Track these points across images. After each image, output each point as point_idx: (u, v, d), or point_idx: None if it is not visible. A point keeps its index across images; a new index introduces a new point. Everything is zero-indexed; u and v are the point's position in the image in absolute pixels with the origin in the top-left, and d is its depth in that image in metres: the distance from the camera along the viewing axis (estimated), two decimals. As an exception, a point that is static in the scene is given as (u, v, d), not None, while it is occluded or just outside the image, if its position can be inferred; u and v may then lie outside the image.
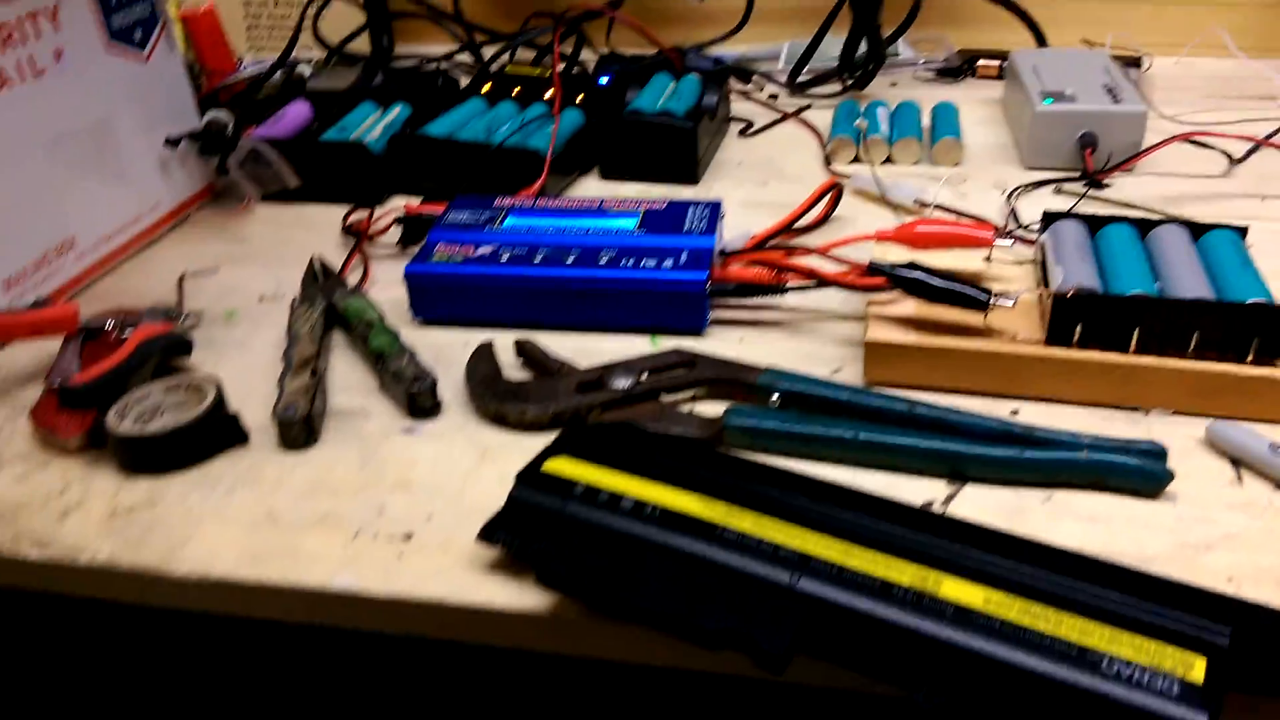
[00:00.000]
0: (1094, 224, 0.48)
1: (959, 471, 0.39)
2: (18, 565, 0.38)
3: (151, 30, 0.60)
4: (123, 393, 0.43)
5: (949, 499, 0.38)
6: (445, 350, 0.49)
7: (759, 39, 0.89)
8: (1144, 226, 0.47)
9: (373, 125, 0.69)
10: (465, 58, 0.89)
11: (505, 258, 0.51)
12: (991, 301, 0.43)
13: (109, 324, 0.50)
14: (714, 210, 0.54)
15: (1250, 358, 0.40)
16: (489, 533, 0.36)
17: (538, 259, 0.50)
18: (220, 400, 0.43)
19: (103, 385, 0.42)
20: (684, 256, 0.50)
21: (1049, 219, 0.49)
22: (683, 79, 0.73)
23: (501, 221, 0.55)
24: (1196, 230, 0.47)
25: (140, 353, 0.45)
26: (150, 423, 0.43)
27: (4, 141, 0.50)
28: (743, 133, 0.75)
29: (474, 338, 0.50)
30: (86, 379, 0.42)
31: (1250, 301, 0.40)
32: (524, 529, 0.35)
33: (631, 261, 0.50)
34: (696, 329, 0.50)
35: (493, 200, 0.57)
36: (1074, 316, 0.42)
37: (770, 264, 0.50)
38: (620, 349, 0.49)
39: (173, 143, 0.61)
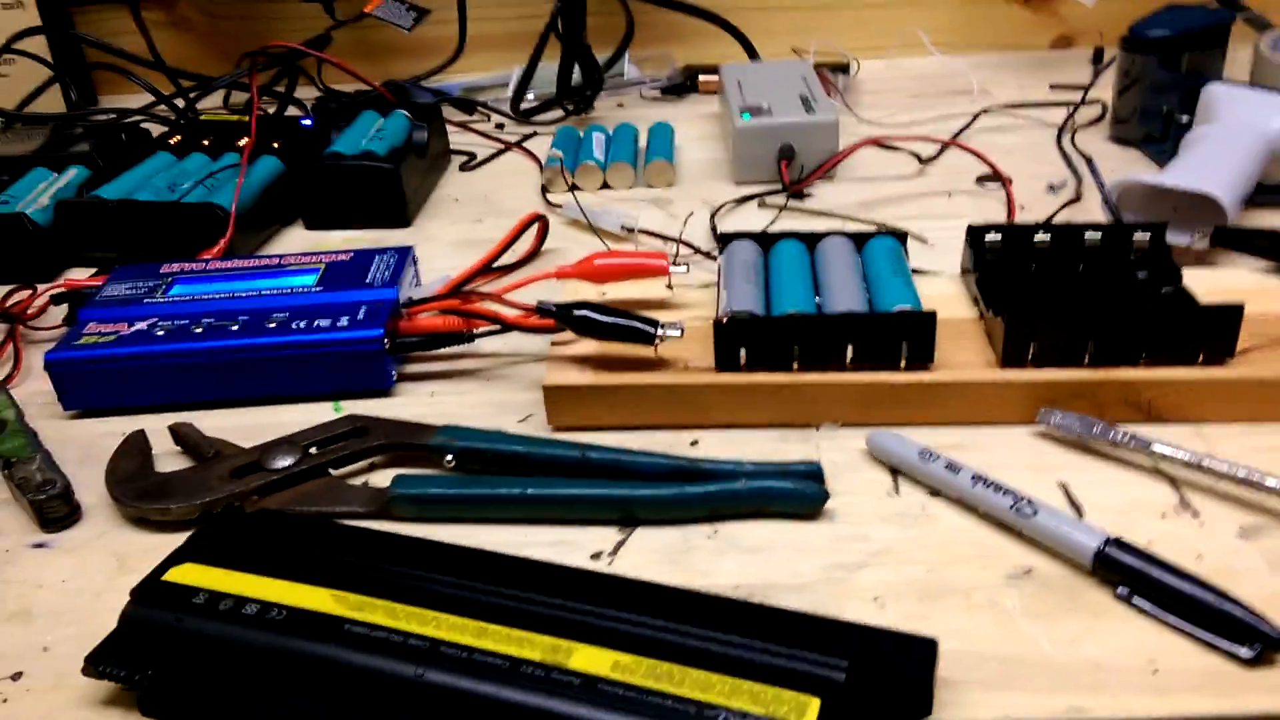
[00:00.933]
0: (766, 241, 0.48)
1: (631, 516, 0.38)
2: None
3: None
4: None
5: (618, 547, 0.37)
6: (98, 443, 0.44)
7: (486, 67, 0.87)
8: (812, 238, 0.48)
9: (42, 193, 0.62)
10: (168, 108, 0.83)
11: (161, 332, 0.46)
12: (658, 333, 0.42)
13: None
14: (401, 256, 0.52)
15: (903, 364, 0.41)
16: (96, 661, 0.32)
17: (198, 330, 0.46)
18: None
19: None
20: (362, 312, 0.47)
21: (724, 240, 0.49)
22: (390, 116, 0.70)
23: (166, 291, 0.50)
24: (860, 240, 0.48)
25: None
26: None
27: None
28: (464, 167, 0.73)
29: (134, 426, 0.46)
30: None
31: (895, 309, 0.41)
32: (137, 653, 0.32)
33: (304, 323, 0.47)
34: (381, 388, 0.47)
35: (159, 268, 0.53)
36: (736, 340, 0.41)
37: (457, 311, 0.48)
38: (302, 419, 0.45)
39: None
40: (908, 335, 0.41)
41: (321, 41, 0.79)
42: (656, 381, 0.42)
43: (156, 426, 0.45)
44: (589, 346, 0.44)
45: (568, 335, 0.45)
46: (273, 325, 0.46)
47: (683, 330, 0.42)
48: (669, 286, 0.48)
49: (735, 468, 0.38)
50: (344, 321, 0.47)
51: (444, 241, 0.62)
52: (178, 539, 0.39)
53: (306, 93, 0.84)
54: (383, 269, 0.51)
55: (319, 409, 0.46)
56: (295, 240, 0.63)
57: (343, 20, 0.79)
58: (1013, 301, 0.41)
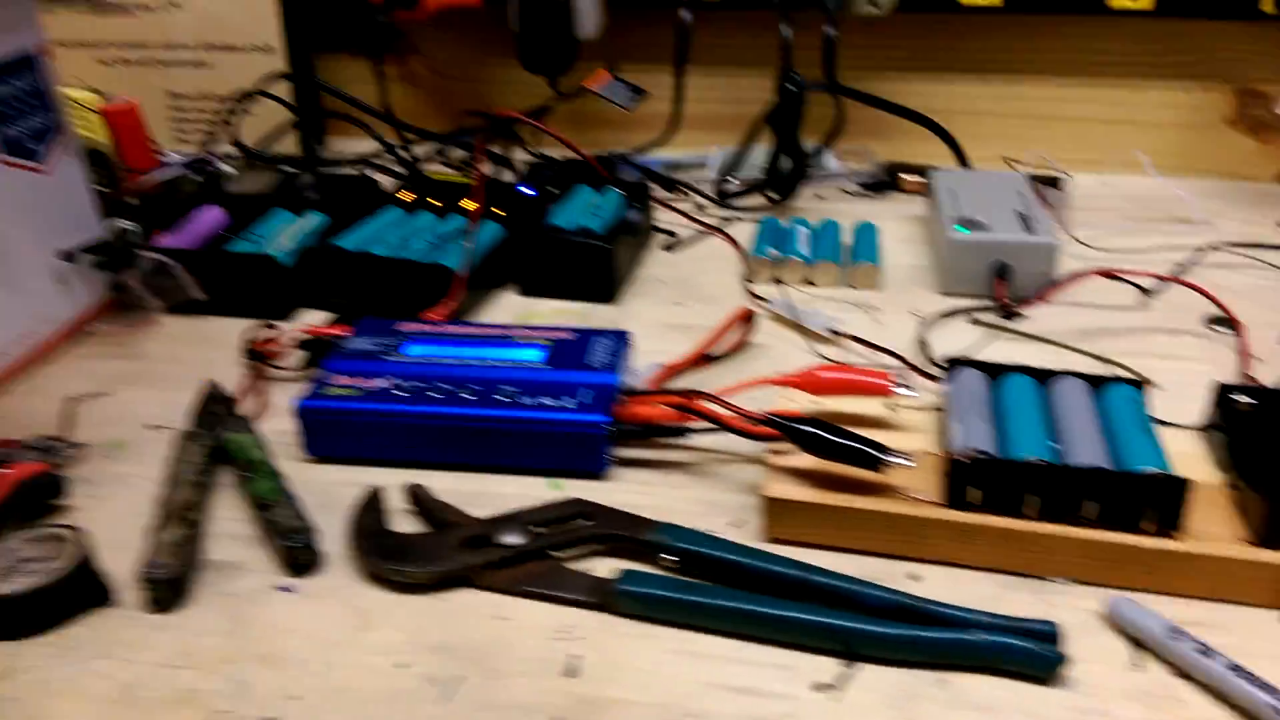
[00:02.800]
0: (994, 371, 0.48)
1: (852, 649, 0.38)
2: None
3: (50, 141, 0.58)
4: (-16, 544, 0.41)
5: (842, 680, 0.37)
6: (336, 491, 0.47)
7: (691, 144, 0.89)
8: (1044, 374, 0.47)
9: (281, 233, 0.67)
10: (395, 161, 0.88)
11: (401, 393, 0.49)
12: (888, 460, 0.42)
13: (-27, 460, 0.47)
14: (619, 341, 0.53)
15: (1147, 528, 0.40)
16: None
17: (435, 395, 0.49)
18: (83, 556, 0.41)
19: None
20: (587, 395, 0.49)
21: (953, 364, 0.48)
22: (605, 192, 0.72)
23: (400, 348, 0.53)
24: (1095, 382, 0.47)
25: (15, 497, 0.43)
26: (12, 579, 0.41)
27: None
28: (666, 247, 0.75)
29: (369, 478, 0.48)
30: (-68, 537, 0.39)
31: (1144, 471, 0.40)
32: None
33: (530, 400, 0.48)
34: (598, 472, 0.49)
35: (394, 325, 0.56)
36: (970, 480, 0.41)
37: (671, 404, 0.49)
38: (519, 492, 0.47)
39: (66, 256, 0.59)
40: (1156, 500, 0.39)
41: (539, 111, 0.83)
42: (881, 509, 0.42)
43: (387, 481, 0.47)
44: (809, 460, 0.45)
45: (784, 445, 0.45)
46: (503, 399, 0.49)
47: (912, 462, 0.42)
48: (891, 408, 0.48)
49: (967, 616, 0.38)
50: (570, 403, 0.48)
51: (647, 322, 0.64)
52: (414, 600, 0.41)
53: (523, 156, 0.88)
54: (603, 352, 0.52)
55: (534, 483, 0.48)
56: (509, 305, 0.66)
57: (566, 94, 0.82)
58: (1274, 478, 0.39)
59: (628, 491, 0.47)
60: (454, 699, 0.36)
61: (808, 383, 0.48)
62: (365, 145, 0.90)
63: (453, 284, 0.61)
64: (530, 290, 0.67)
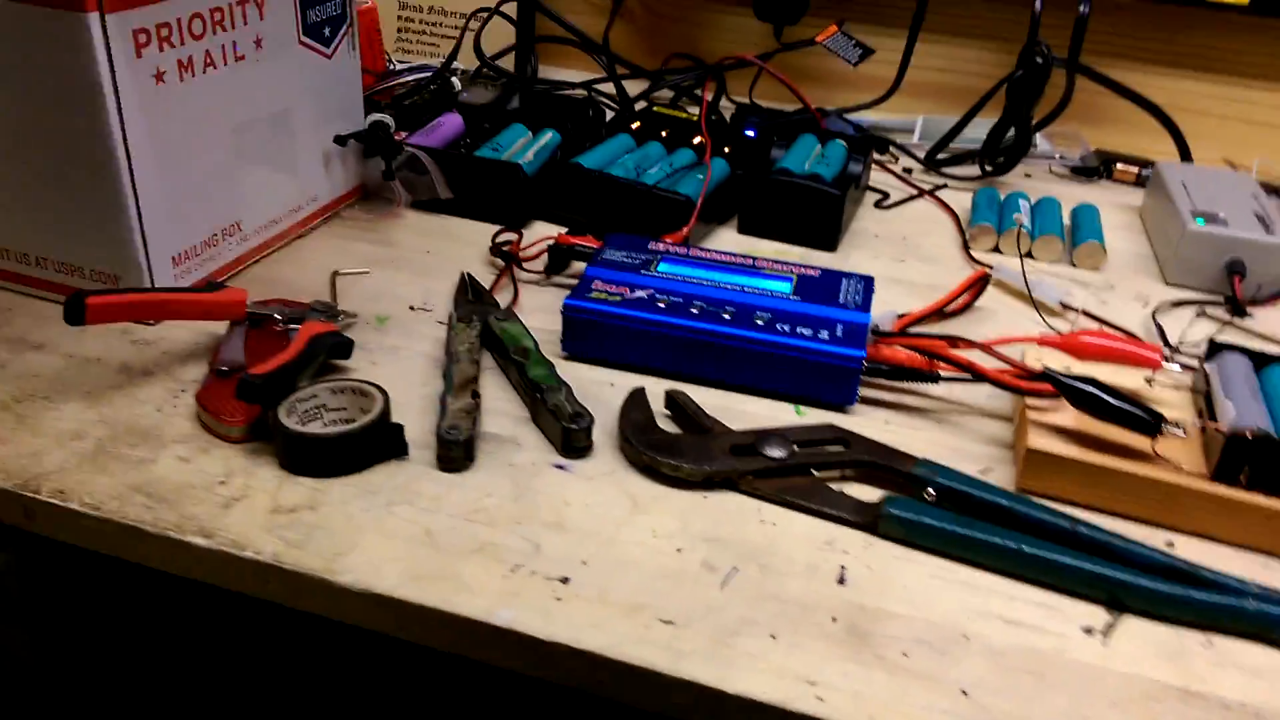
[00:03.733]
0: (1261, 360, 0.47)
1: (1118, 600, 0.39)
2: (183, 551, 0.39)
3: (339, 29, 0.61)
4: (291, 389, 0.44)
5: (1109, 628, 0.38)
6: (589, 389, 0.49)
7: (892, 109, 0.89)
8: (1311, 372, 0.47)
9: (525, 148, 0.70)
10: (605, 88, 0.90)
11: (662, 305, 0.51)
12: (1166, 427, 0.42)
13: (274, 314, 0.51)
14: (868, 286, 0.55)
15: None
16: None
17: (694, 310, 0.51)
18: (387, 410, 0.44)
19: (278, 380, 0.43)
20: (839, 329, 0.50)
21: (1215, 348, 0.48)
22: (829, 143, 0.73)
23: (655, 266, 0.55)
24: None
25: (309, 350, 0.46)
26: (312, 423, 0.44)
27: (199, 122, 0.52)
28: (879, 204, 0.75)
29: (618, 379, 0.51)
30: (264, 372, 0.43)
31: None
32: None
33: (788, 327, 0.50)
34: (844, 405, 0.50)
35: (646, 243, 0.58)
36: (1245, 458, 0.41)
37: (926, 350, 0.50)
38: (764, 413, 0.49)
39: (341, 140, 0.63)
40: None
41: (765, 56, 0.84)
42: (1148, 474, 0.42)
43: (640, 385, 0.49)
44: (1067, 418, 0.45)
45: (1043, 401, 0.46)
46: (760, 323, 0.50)
47: (1186, 431, 0.42)
48: (1149, 380, 0.48)
49: (1238, 585, 0.38)
50: (824, 335, 0.50)
51: (868, 273, 0.64)
52: (681, 495, 0.43)
53: (723, 103, 0.89)
54: (852, 293, 0.54)
55: (780, 406, 0.50)
56: (729, 240, 0.68)
57: (790, 44, 0.83)
58: None
59: (870, 427, 0.49)
60: (732, 585, 0.39)
61: (1070, 345, 0.49)
62: (572, 73, 0.92)
63: (689, 214, 0.63)
64: (750, 229, 0.68)
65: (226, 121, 0.54)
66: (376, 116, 0.65)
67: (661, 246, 0.58)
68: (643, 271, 0.55)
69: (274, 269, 0.59)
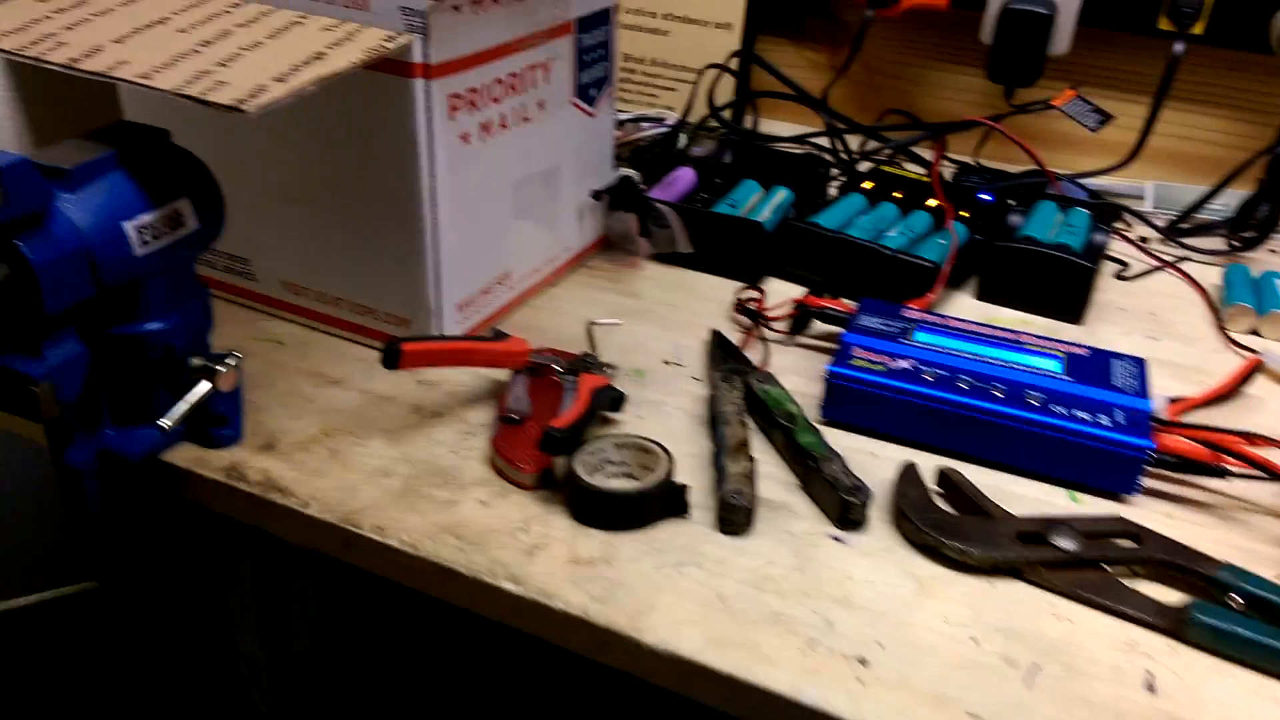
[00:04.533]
0: None
1: None
2: (493, 595, 0.41)
3: (603, 88, 0.64)
4: (581, 442, 0.46)
5: None
6: (852, 457, 0.49)
7: (1119, 174, 0.86)
8: None
9: (760, 204, 0.71)
10: (815, 133, 0.90)
11: (929, 378, 0.51)
12: None
13: (551, 363, 0.53)
14: (1142, 369, 0.53)
15: None
16: None
17: (963, 386, 0.50)
18: (672, 470, 0.45)
19: (575, 434, 0.45)
20: (1120, 415, 0.49)
21: None
22: (1070, 210, 0.71)
23: (912, 335, 0.55)
24: None
25: (594, 404, 0.48)
26: (595, 474, 0.46)
27: (490, 178, 0.55)
28: (1119, 275, 0.73)
29: (880, 449, 0.51)
30: (566, 426, 0.44)
31: None
32: None
33: (1064, 409, 0.49)
34: (1122, 493, 0.48)
35: (898, 309, 0.58)
36: None
37: (1220, 445, 0.48)
38: (1035, 496, 0.48)
39: (598, 195, 0.65)
40: None
41: (996, 116, 0.83)
42: None
43: (901, 457, 0.49)
44: (1384, 531, 0.42)
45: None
46: (1033, 403, 0.49)
47: None
48: None
49: None
50: (1104, 420, 0.48)
51: (1120, 350, 0.62)
52: (969, 580, 0.42)
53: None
54: (1126, 376, 0.52)
55: (1051, 491, 0.49)
56: (966, 306, 0.67)
57: (1022, 106, 0.82)
58: None
59: (1151, 520, 0.47)
60: (1037, 684, 0.38)
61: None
62: (785, 125, 0.93)
63: (934, 280, 0.62)
64: (991, 295, 0.67)
65: (509, 178, 0.57)
66: (625, 172, 0.68)
67: (915, 314, 0.57)
68: (900, 340, 0.54)
69: (533, 316, 0.62)
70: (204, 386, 0.44)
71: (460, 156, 0.52)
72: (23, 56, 0.42)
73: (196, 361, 0.45)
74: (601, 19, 0.62)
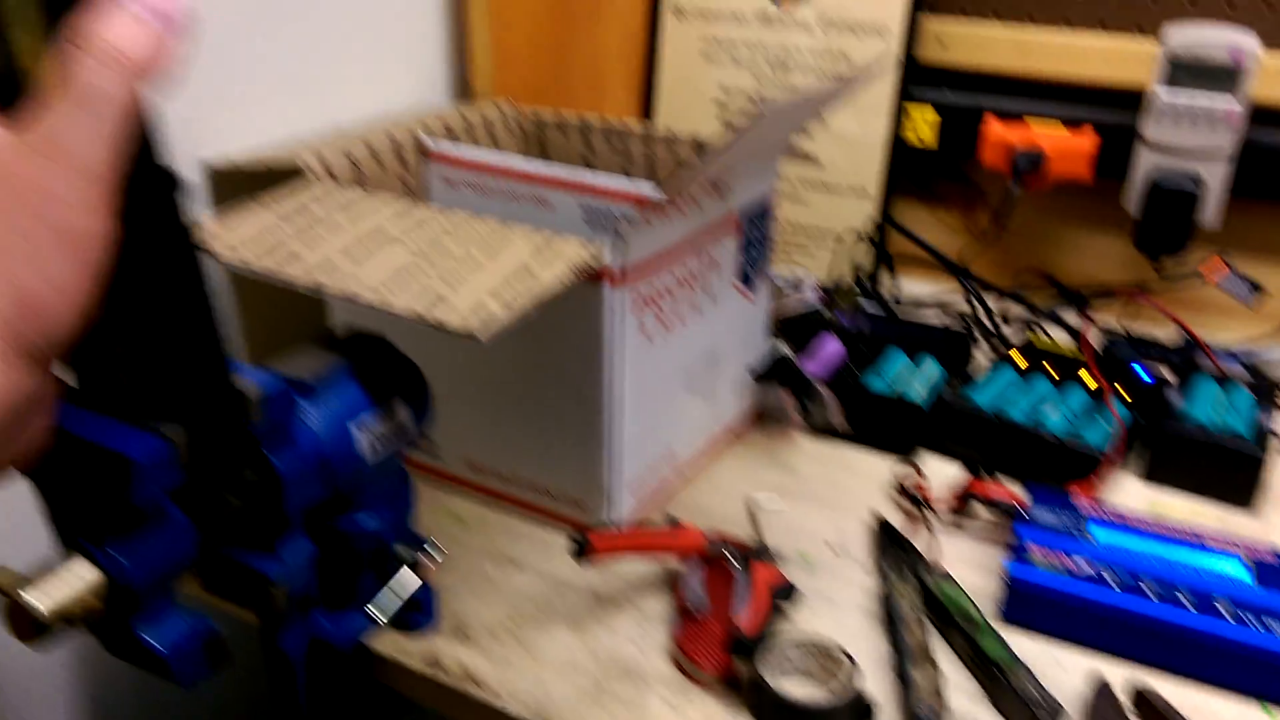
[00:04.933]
0: None
1: None
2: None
3: (760, 272, 0.67)
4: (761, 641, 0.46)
5: None
6: (1036, 666, 0.48)
7: (1270, 339, 0.85)
8: None
9: (910, 377, 0.72)
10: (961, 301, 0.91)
11: (1114, 584, 0.50)
12: None
13: (724, 551, 0.54)
14: (1336, 578, 0.51)
15: None
16: None
17: (1148, 593, 0.49)
18: (858, 681, 0.45)
19: (762, 638, 0.46)
20: (1320, 632, 0.47)
21: None
22: (1231, 388, 0.70)
23: (1086, 529, 0.54)
24: None
25: (774, 601, 0.49)
26: (778, 678, 0.46)
27: (664, 368, 0.58)
28: (1286, 456, 0.71)
29: (1065, 657, 0.50)
30: (755, 633, 0.45)
31: None
32: None
33: (1257, 620, 0.47)
34: (1329, 717, 0.46)
35: (1067, 499, 0.57)
36: None
37: None
38: (1228, 712, 0.46)
39: (756, 374, 0.67)
40: None
41: (1142, 285, 0.83)
42: None
43: (1080, 664, 0.48)
44: None
45: None
46: (1224, 613, 0.48)
47: None
48: None
49: None
50: (1306, 636, 0.47)
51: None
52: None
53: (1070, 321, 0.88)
54: (1320, 584, 0.50)
55: (1243, 707, 0.47)
56: (1130, 489, 0.65)
57: (1170, 276, 0.82)
58: None
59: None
60: None
61: None
62: (921, 284, 0.94)
63: (1099, 465, 0.62)
64: (1156, 479, 0.66)
65: (680, 364, 0.59)
66: (779, 347, 0.70)
67: (1087, 507, 0.57)
68: (1077, 536, 0.54)
69: (695, 494, 0.63)
70: (414, 581, 0.46)
71: (640, 349, 0.54)
72: (265, 271, 0.47)
73: (403, 550, 0.47)
74: (762, 207, 0.65)
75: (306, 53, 0.66)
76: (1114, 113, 0.85)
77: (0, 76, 0.28)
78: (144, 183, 0.30)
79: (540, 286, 0.45)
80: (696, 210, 0.57)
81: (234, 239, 0.48)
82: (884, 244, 0.94)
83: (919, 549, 0.57)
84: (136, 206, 0.30)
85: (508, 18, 0.74)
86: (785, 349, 0.70)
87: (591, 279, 0.51)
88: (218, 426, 0.36)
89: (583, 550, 0.49)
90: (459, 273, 0.46)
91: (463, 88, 0.78)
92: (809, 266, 0.94)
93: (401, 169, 0.65)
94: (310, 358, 0.46)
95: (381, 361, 0.47)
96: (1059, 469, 0.63)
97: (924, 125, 0.92)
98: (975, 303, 0.87)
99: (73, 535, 0.35)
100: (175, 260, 0.32)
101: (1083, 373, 0.73)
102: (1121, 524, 0.55)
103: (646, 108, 0.98)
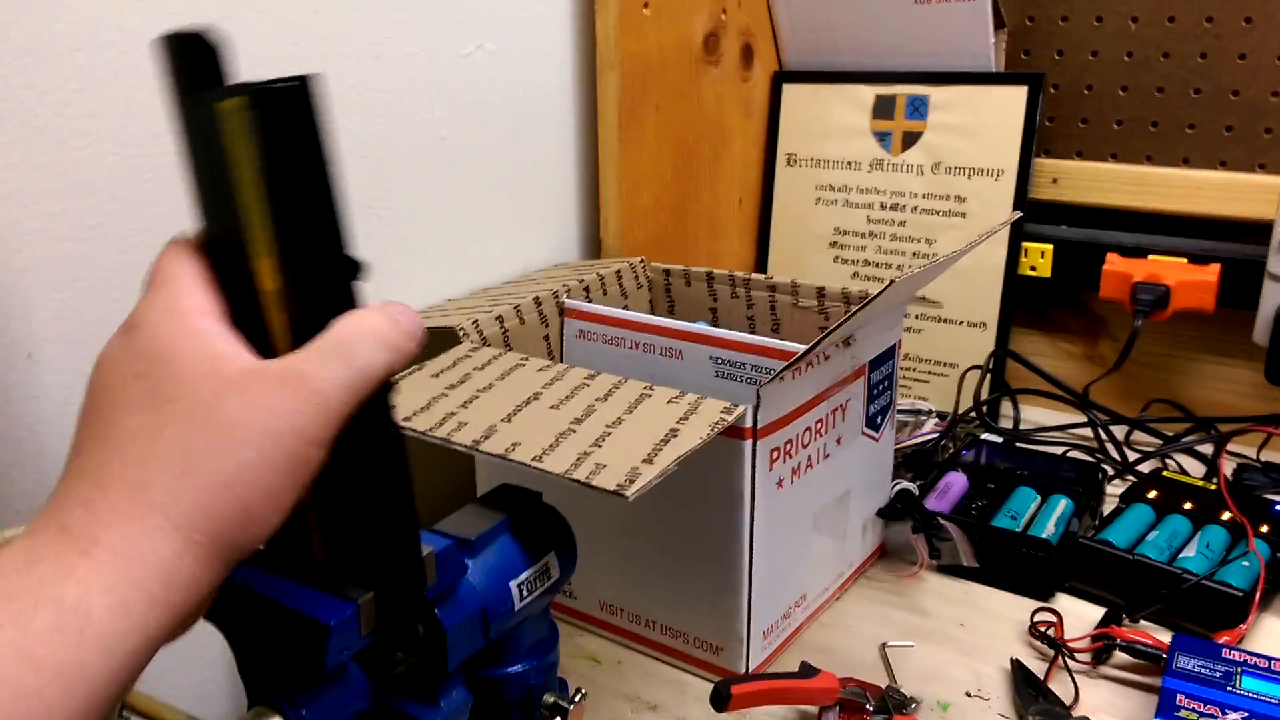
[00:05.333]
0: None
1: None
2: None
3: (886, 414, 0.69)
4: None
5: None
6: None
7: None
8: None
9: (1041, 516, 0.71)
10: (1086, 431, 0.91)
11: (1271, 741, 0.49)
12: None
13: (858, 699, 0.55)
14: None
15: None
16: None
17: (1310, 753, 0.48)
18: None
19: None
20: None
21: None
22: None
23: (1239, 681, 0.53)
24: None
25: (913, 756, 0.49)
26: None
27: (796, 514, 0.60)
28: None
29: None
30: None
31: None
32: None
33: None
34: None
35: (1215, 648, 0.56)
36: None
37: None
38: None
39: (885, 514, 0.68)
40: None
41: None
42: None
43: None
44: None
45: None
46: (1397, 778, 0.46)
47: None
48: None
49: None
50: None
51: None
52: None
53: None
54: None
55: None
56: (1274, 631, 0.63)
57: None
58: None
59: None
60: None
61: None
62: (1040, 412, 0.94)
63: (1245, 609, 0.60)
64: (1302, 623, 0.64)
65: (811, 509, 0.61)
66: (905, 485, 0.71)
67: (1236, 655, 0.55)
68: (1227, 688, 0.53)
69: (825, 636, 0.64)
70: (557, 732, 0.48)
71: (774, 499, 0.57)
72: (434, 437, 0.51)
73: (549, 699, 0.50)
74: (888, 355, 0.67)
75: (458, 220, 0.73)
76: (1234, 244, 0.85)
77: (242, 302, 0.33)
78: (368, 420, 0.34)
79: (684, 446, 0.48)
80: (826, 364, 0.60)
81: (406, 408, 0.53)
82: (1002, 373, 0.94)
83: (1059, 697, 0.56)
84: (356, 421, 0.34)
85: (638, 179, 0.80)
86: (911, 486, 0.71)
87: (731, 435, 0.54)
88: (404, 592, 0.40)
89: (721, 701, 0.50)
90: (609, 436, 0.50)
91: (593, 244, 0.84)
92: (929, 397, 0.95)
93: (542, 325, 0.70)
94: (473, 515, 0.50)
95: (536, 517, 0.50)
96: (1202, 612, 0.62)
97: (1039, 258, 0.93)
98: (1101, 432, 0.86)
99: (263, 689, 0.39)
100: (381, 452, 0.36)
101: (1220, 510, 0.71)
102: (1273, 675, 0.54)
103: (762, 249, 1.02)
